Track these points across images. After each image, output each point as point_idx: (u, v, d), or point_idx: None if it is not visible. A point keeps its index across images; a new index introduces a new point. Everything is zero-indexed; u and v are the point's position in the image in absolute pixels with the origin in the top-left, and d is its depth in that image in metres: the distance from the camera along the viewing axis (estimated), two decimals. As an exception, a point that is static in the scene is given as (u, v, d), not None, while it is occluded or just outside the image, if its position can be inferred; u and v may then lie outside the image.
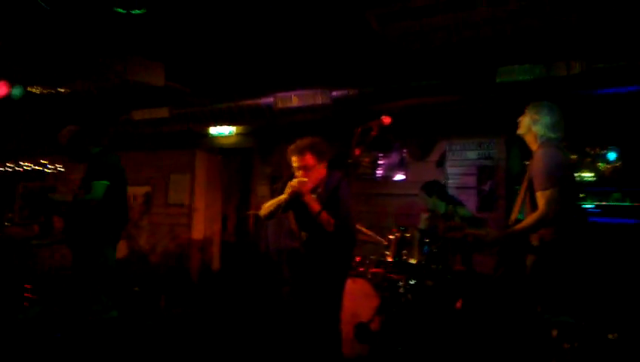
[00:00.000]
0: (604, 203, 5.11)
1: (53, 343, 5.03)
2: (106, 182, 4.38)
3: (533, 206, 3.29)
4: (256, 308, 6.70)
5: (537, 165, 3.25)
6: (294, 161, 3.68)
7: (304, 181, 3.55)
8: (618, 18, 3.28)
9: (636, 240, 4.66)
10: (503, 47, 4.20)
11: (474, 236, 3.57)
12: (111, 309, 4.55)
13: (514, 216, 3.52)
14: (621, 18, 3.24)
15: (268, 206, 3.78)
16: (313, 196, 3.65)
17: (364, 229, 5.02)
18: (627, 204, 5.01)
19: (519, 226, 3.32)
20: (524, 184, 3.42)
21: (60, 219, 7.85)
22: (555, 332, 3.38)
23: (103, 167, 4.45)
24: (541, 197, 3.17)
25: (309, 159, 3.65)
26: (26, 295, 6.11)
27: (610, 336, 3.58)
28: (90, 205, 4.35)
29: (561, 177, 3.17)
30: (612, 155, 5.33)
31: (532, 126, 3.38)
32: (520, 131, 3.49)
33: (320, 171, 3.74)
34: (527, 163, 3.51)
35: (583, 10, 3.20)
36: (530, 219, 3.25)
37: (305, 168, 3.65)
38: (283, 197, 3.63)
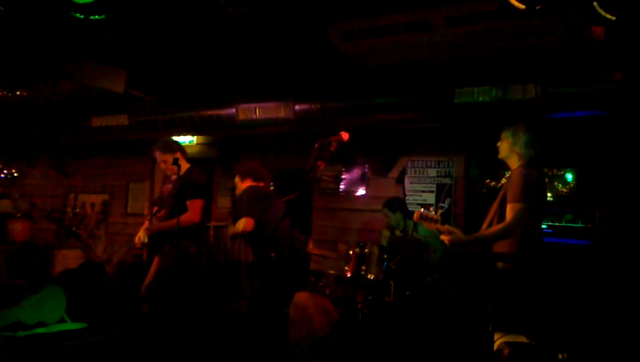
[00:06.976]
0: (557, 223, 5.23)
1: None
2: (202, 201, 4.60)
3: (502, 219, 3.42)
4: (211, 322, 6.57)
5: (515, 180, 3.41)
6: None
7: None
8: (570, 46, 3.39)
9: (586, 261, 4.78)
10: (461, 68, 4.28)
11: (441, 232, 3.65)
12: None
13: (485, 226, 3.63)
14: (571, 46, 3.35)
15: None
16: None
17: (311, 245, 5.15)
18: (579, 225, 5.12)
19: (485, 232, 3.47)
20: (499, 197, 3.56)
21: (20, 229, 7.65)
22: (505, 351, 3.42)
23: (200, 186, 4.61)
24: (511, 210, 3.33)
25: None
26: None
27: (559, 356, 3.64)
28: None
29: (532, 196, 3.33)
30: (568, 177, 5.46)
31: (513, 147, 3.52)
32: (501, 155, 3.62)
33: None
34: (505, 179, 3.65)
35: (539, 36, 3.29)
36: (496, 227, 3.40)
37: None
38: None
